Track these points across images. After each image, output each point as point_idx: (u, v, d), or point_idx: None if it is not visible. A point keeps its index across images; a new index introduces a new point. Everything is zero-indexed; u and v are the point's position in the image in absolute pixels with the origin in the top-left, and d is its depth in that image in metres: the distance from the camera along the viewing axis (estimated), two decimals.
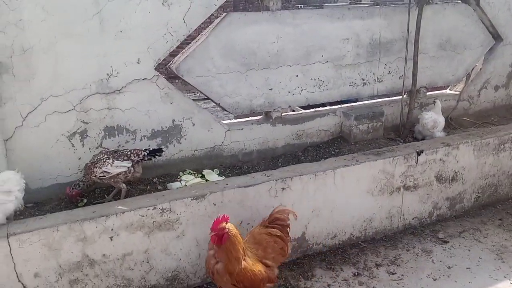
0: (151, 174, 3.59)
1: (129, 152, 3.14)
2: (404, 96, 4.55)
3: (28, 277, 2.64)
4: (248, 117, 4.25)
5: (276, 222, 2.87)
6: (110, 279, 2.86)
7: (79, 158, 3.29)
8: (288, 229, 2.90)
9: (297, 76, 4.03)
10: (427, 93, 4.93)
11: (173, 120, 3.61)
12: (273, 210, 2.91)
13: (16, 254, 2.57)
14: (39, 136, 3.13)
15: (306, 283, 3.15)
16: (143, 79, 3.38)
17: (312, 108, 4.45)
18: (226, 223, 2.53)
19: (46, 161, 3.18)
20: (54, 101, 3.11)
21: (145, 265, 2.93)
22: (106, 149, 3.29)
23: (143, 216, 2.83)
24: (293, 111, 4.66)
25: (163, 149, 3.31)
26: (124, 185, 3.15)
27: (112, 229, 2.76)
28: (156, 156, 3.27)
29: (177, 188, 3.34)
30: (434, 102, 4.48)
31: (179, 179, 3.57)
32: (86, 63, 3.16)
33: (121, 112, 3.37)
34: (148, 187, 3.47)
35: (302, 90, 4.09)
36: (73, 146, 3.27)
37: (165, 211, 2.89)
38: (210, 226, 2.54)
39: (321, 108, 4.51)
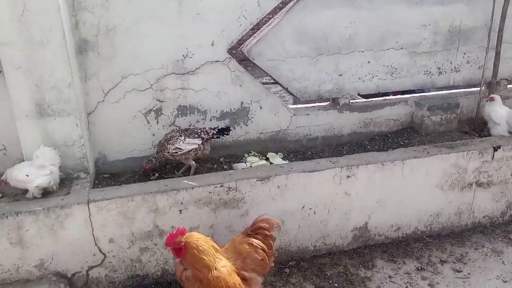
0: (218, 154, 3.70)
1: (199, 130, 3.27)
2: (483, 88, 4.28)
3: (104, 242, 2.86)
4: (311, 104, 4.22)
5: (258, 232, 2.65)
6: None
7: (153, 135, 3.47)
8: (271, 241, 2.67)
9: (368, 62, 3.93)
10: (508, 86, 4.60)
11: (242, 103, 3.68)
12: (257, 219, 2.71)
13: (95, 219, 2.79)
14: (118, 111, 3.33)
15: (366, 272, 3.12)
16: (216, 61, 3.47)
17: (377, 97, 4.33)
18: (183, 236, 2.36)
19: (123, 135, 3.38)
20: (133, 79, 3.29)
21: None
22: (178, 127, 3.45)
23: (211, 192, 2.94)
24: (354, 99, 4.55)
25: (230, 128, 3.40)
26: (193, 162, 3.29)
27: (181, 203, 2.90)
28: (224, 135, 3.37)
29: (243, 168, 3.43)
30: None
31: (244, 160, 3.66)
32: (164, 44, 3.30)
33: (193, 92, 3.50)
34: (215, 166, 3.59)
35: (373, 77, 3.99)
36: (148, 122, 3.46)
37: (231, 189, 2.98)
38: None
39: (391, 97, 4.37)
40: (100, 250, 2.87)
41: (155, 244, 2.96)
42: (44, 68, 2.79)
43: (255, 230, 2.66)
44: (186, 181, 3.00)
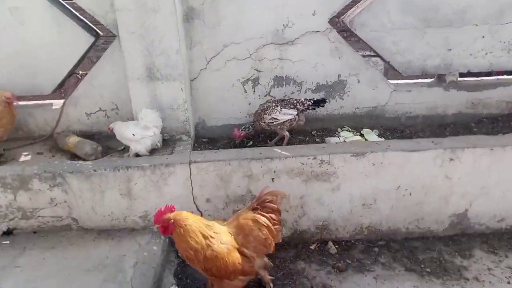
0: (311, 127, 3.68)
1: (295, 101, 3.28)
2: None
3: (201, 201, 3.04)
4: (412, 79, 3.97)
5: (264, 206, 2.53)
6: None
7: (249, 104, 3.55)
8: (279, 216, 2.56)
9: (483, 37, 3.57)
10: None
11: (339, 75, 3.59)
12: (262, 191, 2.59)
13: (195, 179, 2.96)
14: (218, 79, 3.45)
15: (462, 261, 2.95)
16: (316, 32, 3.41)
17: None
18: (171, 213, 2.32)
19: (222, 102, 3.51)
20: (234, 48, 3.37)
21: (299, 210, 3.10)
22: (274, 98, 3.48)
23: (304, 164, 2.95)
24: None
25: (326, 100, 3.35)
26: (287, 132, 3.32)
27: (274, 171, 2.96)
28: (320, 107, 3.34)
29: (336, 143, 3.38)
30: None
31: (337, 135, 3.60)
32: (266, 13, 3.31)
33: (290, 63, 3.49)
34: (307, 138, 3.58)
35: (486, 54, 3.63)
36: (245, 91, 3.54)
37: (324, 162, 2.96)
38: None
39: (505, 76, 3.96)
40: (197, 208, 3.05)
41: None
42: (155, 34, 2.96)
43: (261, 204, 2.54)
44: (279, 151, 3.05)
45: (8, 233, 3.04)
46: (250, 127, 3.38)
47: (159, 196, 2.99)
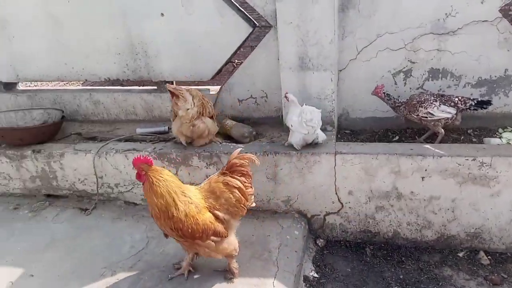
0: (466, 125, 3.37)
1: (457, 99, 3.03)
2: None
3: (343, 193, 3.04)
4: None
5: (234, 169, 2.47)
6: (412, 216, 2.98)
7: (398, 96, 3.40)
8: (249, 178, 2.50)
9: None
10: None
11: (506, 70, 3.21)
12: (231, 156, 2.49)
13: (339, 170, 2.97)
14: (367, 70, 3.37)
15: None
16: (483, 21, 3.09)
17: None
18: (146, 165, 2.30)
19: (368, 94, 3.41)
20: (388, 38, 3.24)
21: (449, 213, 2.90)
22: (430, 92, 3.27)
23: (460, 165, 2.74)
24: None
25: (491, 102, 3.02)
26: (442, 130, 3.10)
27: (425, 170, 2.81)
28: (483, 108, 3.02)
29: (498, 144, 3.06)
30: None
31: (498, 135, 3.25)
32: (426, 2, 3.10)
33: (449, 55, 3.23)
34: (462, 137, 3.30)
35: None
36: (395, 83, 3.39)
37: (484, 165, 2.71)
38: None
39: None
40: (339, 200, 3.06)
41: (391, 206, 2.98)
42: (311, 24, 3.00)
43: (230, 169, 2.48)
44: (433, 148, 2.87)
45: None
46: (400, 105, 3.17)
47: (302, 183, 3.07)
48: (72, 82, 6.33)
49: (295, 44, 3.09)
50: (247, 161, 2.51)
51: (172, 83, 3.83)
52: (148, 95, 3.78)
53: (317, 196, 3.09)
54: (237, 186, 2.44)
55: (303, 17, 3.00)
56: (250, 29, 3.36)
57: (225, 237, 2.44)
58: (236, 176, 2.47)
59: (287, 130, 3.34)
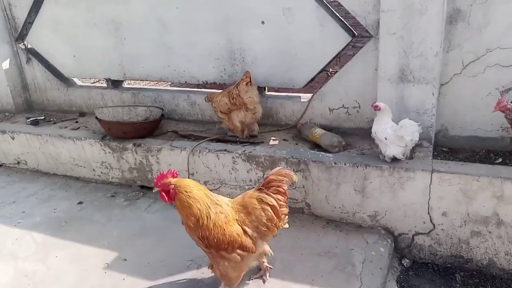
0: None
1: None
2: None
3: (437, 213, 2.87)
4: None
5: (270, 186, 2.38)
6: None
7: (483, 115, 3.14)
8: (285, 196, 2.40)
9: None
10: None
11: None
12: (271, 172, 2.42)
13: (434, 189, 2.81)
14: (472, 86, 3.15)
15: None
16: None
17: None
18: (173, 178, 2.26)
19: (471, 111, 3.21)
20: (499, 53, 3.01)
21: None
22: None
23: None
24: None
25: None
26: None
27: None
28: None
29: None
30: None
31: None
32: None
33: None
34: None
35: None
36: None
37: None
38: None
39: None
40: (431, 220, 2.90)
41: (489, 232, 2.76)
42: (416, 35, 2.90)
43: (266, 184, 2.40)
44: None
45: None
46: None
47: (392, 199, 2.96)
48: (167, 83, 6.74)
49: (396, 55, 3.00)
50: (285, 178, 2.41)
51: (264, 89, 3.93)
52: None
53: (407, 214, 2.95)
54: (271, 204, 2.36)
55: (408, 28, 2.91)
56: (349, 39, 3.33)
57: (253, 252, 2.38)
58: (271, 194, 2.39)
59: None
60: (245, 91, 3.40)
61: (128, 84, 5.41)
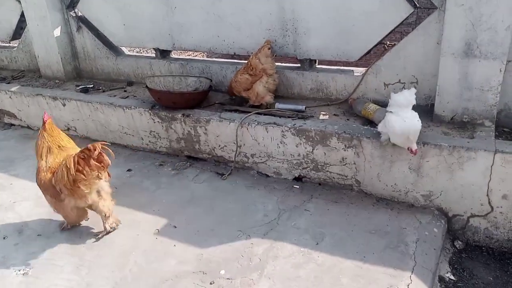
0: None
1: None
2: None
3: (496, 196, 2.76)
4: None
5: (81, 151, 2.68)
6: None
7: None
8: (88, 165, 2.67)
9: None
10: None
11: None
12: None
13: (496, 170, 2.69)
14: None
15: None
16: None
17: None
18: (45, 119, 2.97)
19: None
20: None
21: None
22: None
23: None
24: None
25: None
26: None
27: None
28: None
29: None
30: None
31: None
32: None
33: None
34: None
35: None
36: None
37: None
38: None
39: None
40: (489, 202, 2.79)
41: None
42: (486, 7, 2.71)
43: (81, 150, 2.69)
44: None
45: (298, 179, 3.48)
46: None
47: (449, 179, 2.85)
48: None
49: (463, 29, 2.82)
50: (97, 148, 2.65)
51: (315, 61, 3.83)
52: (290, 71, 3.82)
53: (464, 195, 2.85)
54: (68, 167, 2.66)
55: None
56: (411, 10, 3.15)
57: (59, 200, 2.82)
58: (76, 157, 2.66)
59: (436, 120, 3.14)
60: (265, 57, 3.59)
61: (176, 55, 5.41)
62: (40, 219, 3.23)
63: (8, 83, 5.05)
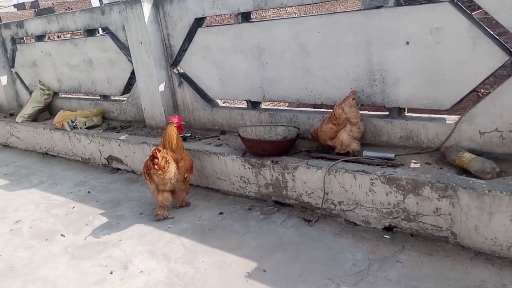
0: None
1: None
2: None
3: None
4: None
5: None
6: None
7: None
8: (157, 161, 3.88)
9: None
10: None
11: None
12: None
13: None
14: None
15: None
16: None
17: None
18: (175, 120, 4.30)
19: None
20: None
21: None
22: None
23: None
24: None
25: None
26: None
27: None
28: None
29: None
30: None
31: None
32: None
33: None
34: None
35: None
36: None
37: None
38: None
39: None
40: None
41: None
42: None
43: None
44: None
45: (388, 229, 3.41)
46: None
47: None
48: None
49: None
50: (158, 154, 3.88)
51: (404, 109, 3.83)
52: (378, 119, 3.86)
53: None
54: (152, 157, 3.89)
55: None
56: (506, 58, 3.09)
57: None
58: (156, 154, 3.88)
59: None
60: (349, 107, 3.69)
61: (265, 105, 5.73)
62: (142, 256, 3.53)
63: (118, 132, 5.71)
